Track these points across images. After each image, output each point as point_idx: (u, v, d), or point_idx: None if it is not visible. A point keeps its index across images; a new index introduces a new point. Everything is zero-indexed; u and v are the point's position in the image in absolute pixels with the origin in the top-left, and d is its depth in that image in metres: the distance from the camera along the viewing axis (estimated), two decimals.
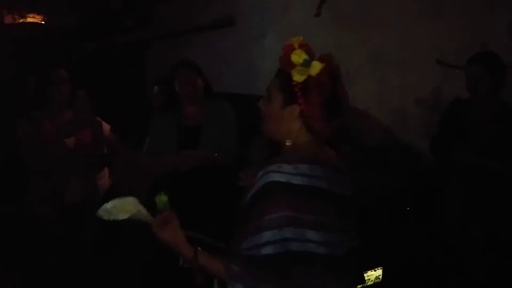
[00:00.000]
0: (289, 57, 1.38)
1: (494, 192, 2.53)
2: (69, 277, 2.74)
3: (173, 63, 2.83)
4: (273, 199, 1.28)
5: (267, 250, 1.26)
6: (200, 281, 1.59)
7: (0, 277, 2.96)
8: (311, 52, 1.41)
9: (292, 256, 1.27)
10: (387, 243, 2.86)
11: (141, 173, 3.09)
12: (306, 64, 1.36)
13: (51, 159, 2.76)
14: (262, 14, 4.31)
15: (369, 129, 3.69)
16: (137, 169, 3.09)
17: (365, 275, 2.78)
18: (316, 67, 1.36)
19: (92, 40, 5.15)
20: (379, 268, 2.81)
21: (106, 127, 3.10)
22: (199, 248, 1.36)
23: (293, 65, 1.37)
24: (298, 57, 1.37)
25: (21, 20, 4.87)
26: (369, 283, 2.79)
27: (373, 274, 2.80)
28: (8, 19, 4.79)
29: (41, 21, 5.00)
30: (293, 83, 1.36)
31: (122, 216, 1.43)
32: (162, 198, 1.46)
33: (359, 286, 2.74)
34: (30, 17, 4.92)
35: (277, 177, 1.30)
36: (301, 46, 1.40)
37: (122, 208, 1.45)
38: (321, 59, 1.39)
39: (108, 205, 1.46)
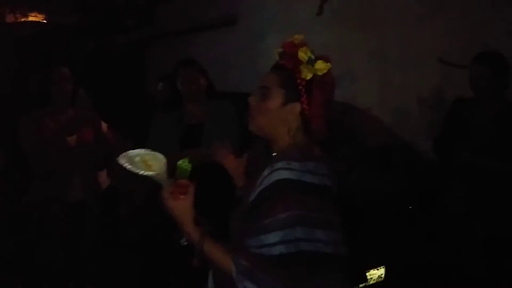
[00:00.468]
0: (295, 54, 1.36)
1: (496, 192, 2.52)
2: (72, 274, 2.74)
3: (175, 62, 2.84)
4: (285, 197, 1.25)
5: (280, 250, 1.23)
6: (198, 264, 1.49)
7: (2, 277, 2.96)
8: (311, 50, 1.40)
9: (303, 256, 1.25)
10: (389, 243, 2.86)
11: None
12: (311, 62, 1.35)
13: (53, 157, 2.76)
14: (264, 13, 4.31)
15: (371, 129, 3.68)
16: None
17: (367, 274, 2.78)
18: (323, 66, 1.34)
19: (94, 39, 5.15)
20: (381, 267, 2.82)
21: (103, 125, 3.10)
22: (207, 233, 1.31)
23: (299, 62, 1.35)
24: (304, 54, 1.36)
25: (23, 19, 4.88)
26: (371, 282, 2.79)
27: (375, 273, 2.80)
28: (10, 18, 4.79)
29: (43, 20, 5.01)
30: (298, 80, 1.34)
31: (145, 172, 1.32)
32: (184, 165, 1.36)
33: (361, 285, 2.74)
34: (32, 16, 4.93)
35: (287, 175, 1.27)
36: (301, 44, 1.39)
37: (148, 163, 1.34)
38: (325, 59, 1.37)
39: (135, 155, 1.35)
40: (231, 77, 4.50)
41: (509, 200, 2.50)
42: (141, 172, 1.30)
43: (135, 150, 1.36)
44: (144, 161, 1.34)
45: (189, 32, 4.89)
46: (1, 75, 4.12)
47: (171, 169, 1.36)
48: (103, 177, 3.12)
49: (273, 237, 1.24)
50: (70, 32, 4.92)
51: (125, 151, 1.37)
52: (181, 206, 1.32)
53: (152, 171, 1.32)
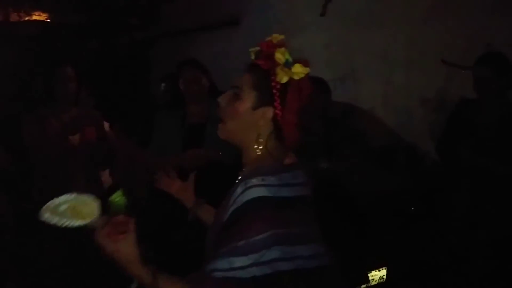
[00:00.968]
0: (272, 54, 1.25)
1: (499, 193, 2.52)
2: (74, 273, 2.75)
3: (178, 62, 2.84)
4: (261, 216, 1.13)
5: (252, 272, 1.11)
6: None
7: (4, 276, 2.97)
8: (290, 52, 1.28)
9: (280, 276, 1.13)
10: (391, 243, 2.86)
11: (144, 171, 3.09)
12: (288, 65, 1.24)
13: (56, 156, 2.77)
14: (267, 13, 4.31)
15: (374, 130, 3.68)
16: (141, 167, 3.09)
17: (369, 275, 2.78)
18: (300, 70, 1.24)
19: (97, 38, 5.16)
20: (383, 268, 2.81)
21: (105, 124, 3.10)
22: (158, 271, 1.15)
23: (275, 64, 1.24)
24: (282, 55, 1.24)
25: (26, 18, 4.89)
26: (373, 283, 2.79)
27: (377, 274, 2.80)
28: (13, 17, 4.80)
29: (46, 19, 5.01)
30: (273, 83, 1.23)
31: (73, 222, 1.13)
32: (118, 200, 1.23)
33: (363, 286, 2.74)
34: (35, 15, 4.93)
35: (262, 192, 1.15)
36: (280, 44, 1.27)
37: (77, 210, 1.17)
38: (304, 63, 1.26)
39: (61, 203, 1.17)
40: (233, 77, 4.50)
41: None
42: (68, 223, 1.13)
43: (61, 197, 1.18)
44: (73, 208, 1.17)
45: (192, 32, 4.90)
46: (4, 74, 4.13)
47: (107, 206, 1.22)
48: (106, 176, 3.13)
49: (245, 260, 1.11)
50: (73, 31, 4.92)
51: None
52: (124, 247, 1.14)
53: (83, 218, 1.15)
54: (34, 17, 4.95)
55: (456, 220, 2.71)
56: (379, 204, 3.07)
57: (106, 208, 1.20)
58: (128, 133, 3.33)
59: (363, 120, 3.69)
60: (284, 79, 1.22)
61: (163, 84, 3.65)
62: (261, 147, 1.26)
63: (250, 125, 1.26)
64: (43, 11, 4.96)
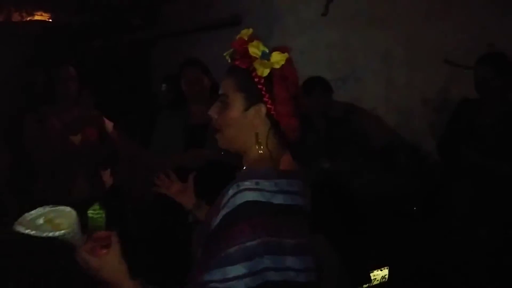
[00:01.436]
0: (245, 51, 1.20)
1: (501, 193, 2.52)
2: (75, 273, 2.75)
3: (180, 62, 2.84)
4: (253, 222, 1.07)
5: (247, 284, 1.05)
6: None
7: (5, 276, 2.97)
8: (264, 44, 1.24)
9: (270, 287, 1.07)
10: (393, 243, 2.86)
11: (146, 171, 3.09)
12: (266, 56, 1.19)
13: (58, 156, 2.77)
14: (268, 13, 4.30)
15: (376, 129, 3.68)
16: (142, 167, 3.10)
17: (371, 274, 2.78)
18: (279, 58, 1.18)
19: (99, 38, 5.16)
20: (385, 267, 2.81)
21: (109, 124, 3.11)
22: (148, 285, 1.12)
23: (252, 59, 1.19)
24: (256, 49, 1.19)
25: (28, 18, 4.89)
26: (375, 282, 2.79)
27: (379, 274, 2.80)
28: (16, 17, 4.81)
29: (48, 19, 5.02)
30: (256, 79, 1.18)
31: (51, 233, 1.09)
32: (96, 214, 1.16)
33: (365, 285, 2.74)
34: (37, 15, 4.94)
35: (256, 196, 1.09)
36: (251, 38, 1.23)
37: (54, 222, 1.13)
38: (281, 50, 1.21)
39: (37, 216, 1.13)
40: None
41: None
42: (46, 234, 1.09)
43: (37, 210, 1.15)
44: (50, 221, 1.13)
45: (194, 32, 4.90)
46: (6, 73, 4.14)
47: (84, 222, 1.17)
48: (107, 176, 3.14)
49: (239, 269, 1.04)
50: (75, 31, 4.93)
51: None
52: (108, 263, 1.10)
53: (60, 230, 1.11)
54: (36, 17, 4.95)
55: (457, 220, 2.71)
56: (381, 203, 3.07)
57: (84, 223, 1.17)
58: (129, 133, 3.33)
59: (365, 120, 3.69)
60: (265, 72, 1.17)
61: (164, 85, 3.65)
62: (262, 147, 1.20)
63: (246, 127, 1.21)
64: (45, 11, 4.96)
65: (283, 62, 1.18)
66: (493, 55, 2.64)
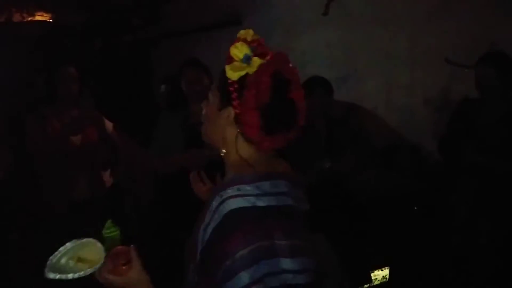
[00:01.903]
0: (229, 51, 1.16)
1: (503, 192, 2.51)
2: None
3: (180, 62, 2.84)
4: (241, 229, 1.04)
5: None
6: None
7: (7, 276, 2.98)
8: (263, 49, 1.17)
9: None
10: (394, 243, 2.85)
11: (147, 172, 3.09)
12: (247, 60, 1.13)
13: (59, 156, 2.77)
14: (269, 13, 4.30)
15: (377, 129, 3.67)
16: (143, 167, 3.09)
17: (372, 274, 2.78)
18: (254, 63, 1.12)
19: (100, 38, 5.17)
20: (386, 267, 2.81)
21: (108, 124, 3.11)
22: None
23: (231, 61, 1.15)
24: (238, 51, 1.14)
25: (29, 18, 4.90)
26: (376, 282, 2.78)
27: (380, 274, 2.80)
28: (16, 17, 4.81)
29: (49, 19, 5.02)
30: (229, 81, 1.14)
31: (80, 273, 1.07)
32: (112, 231, 1.15)
33: (366, 285, 2.74)
34: (38, 15, 4.94)
35: (240, 203, 1.06)
36: (252, 41, 1.17)
37: (81, 257, 1.11)
38: (263, 55, 1.15)
39: (61, 257, 1.10)
40: None
41: None
42: (73, 276, 1.07)
43: (60, 250, 1.13)
44: (80, 259, 1.11)
45: (194, 32, 4.90)
46: (7, 74, 4.14)
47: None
48: (107, 176, 3.14)
49: (241, 280, 1.01)
50: (76, 32, 4.93)
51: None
52: (133, 278, 1.10)
53: (89, 265, 1.09)
54: (37, 18, 4.96)
55: (458, 219, 2.71)
56: (382, 203, 3.07)
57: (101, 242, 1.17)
58: (129, 133, 3.33)
59: (366, 120, 3.69)
60: (234, 76, 1.12)
61: (163, 86, 3.65)
62: (224, 151, 1.19)
63: (217, 127, 1.19)
64: (46, 12, 4.96)
65: (255, 69, 1.11)
66: (494, 54, 2.64)
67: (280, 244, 1.06)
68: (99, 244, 1.14)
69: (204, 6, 4.85)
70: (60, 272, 1.07)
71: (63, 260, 1.12)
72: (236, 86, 1.12)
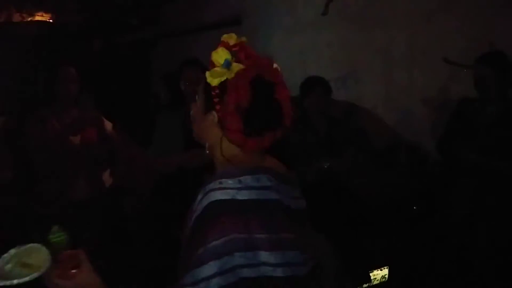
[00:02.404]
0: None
1: (501, 192, 2.52)
2: None
3: (179, 62, 2.85)
4: (218, 221, 1.07)
5: (218, 283, 1.03)
6: None
7: None
8: (246, 52, 1.20)
9: (245, 284, 1.05)
10: (393, 243, 2.86)
11: (146, 172, 3.09)
12: (227, 65, 1.17)
13: (58, 156, 2.78)
14: (268, 13, 4.31)
15: (376, 129, 3.68)
16: (142, 167, 3.10)
17: (371, 274, 2.78)
18: (234, 69, 1.16)
19: (99, 38, 5.17)
20: (385, 267, 2.81)
21: (108, 124, 3.12)
22: None
23: (213, 65, 1.19)
24: (219, 56, 1.18)
25: (29, 19, 4.90)
26: (375, 282, 2.79)
27: (379, 274, 2.80)
28: (16, 18, 4.82)
29: (49, 19, 5.03)
30: (211, 85, 1.17)
31: (30, 276, 1.06)
32: (57, 235, 1.15)
33: (365, 285, 2.75)
34: (38, 15, 4.95)
35: (219, 195, 1.09)
36: (234, 45, 1.20)
37: (27, 263, 1.09)
38: (243, 61, 1.18)
39: (5, 262, 1.09)
40: None
41: None
42: (18, 282, 1.05)
43: (3, 256, 1.11)
44: (24, 264, 1.09)
45: (194, 32, 4.90)
46: (6, 74, 4.15)
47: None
48: (106, 176, 3.14)
49: (208, 269, 1.04)
50: (75, 32, 4.94)
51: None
52: (82, 281, 1.10)
53: (34, 270, 1.08)
54: (37, 18, 4.96)
55: (457, 219, 2.71)
56: (381, 203, 3.07)
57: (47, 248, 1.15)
58: (129, 133, 3.33)
59: (365, 120, 3.70)
60: (214, 82, 1.16)
61: (163, 86, 3.65)
62: (208, 151, 1.24)
63: (203, 129, 1.25)
64: (46, 12, 4.97)
65: (233, 74, 1.15)
66: (492, 54, 2.65)
67: (259, 238, 1.08)
68: (44, 249, 1.13)
69: (203, 6, 4.86)
70: (6, 279, 1.06)
71: (8, 267, 1.10)
72: (217, 91, 1.17)
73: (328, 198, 2.77)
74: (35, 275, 1.07)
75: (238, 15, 4.52)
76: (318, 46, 3.96)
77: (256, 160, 1.22)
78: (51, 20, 5.03)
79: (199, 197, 1.13)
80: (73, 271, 1.10)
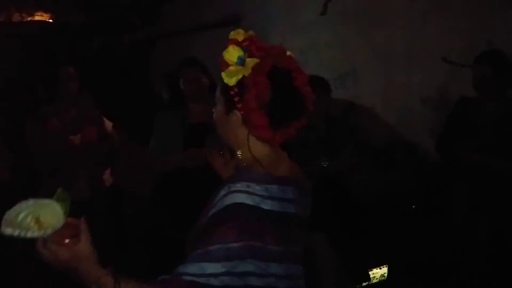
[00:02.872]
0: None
1: (500, 191, 2.52)
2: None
3: (179, 62, 2.85)
4: (238, 223, 1.06)
5: (223, 281, 1.03)
6: None
7: (9, 275, 2.98)
8: (257, 44, 1.17)
9: None
10: (392, 241, 2.87)
11: (146, 171, 3.10)
12: (241, 62, 1.14)
13: (58, 156, 2.78)
14: (267, 12, 4.31)
15: (375, 128, 3.68)
16: (142, 166, 3.10)
17: (370, 273, 2.79)
18: (249, 65, 1.12)
19: (99, 37, 5.18)
20: (384, 266, 2.82)
21: (108, 124, 3.12)
22: (118, 273, 1.07)
23: (226, 65, 1.15)
24: (230, 55, 1.15)
25: (29, 18, 4.90)
26: (374, 281, 2.80)
27: (378, 272, 2.81)
28: (16, 17, 4.82)
29: (49, 19, 5.03)
30: (229, 86, 1.15)
31: (45, 231, 1.00)
32: (62, 197, 1.07)
33: (364, 284, 2.75)
34: (38, 15, 4.95)
35: (244, 199, 1.08)
36: (244, 40, 1.17)
37: (42, 221, 1.02)
38: (259, 55, 1.15)
39: (25, 217, 1.01)
40: None
41: None
42: (32, 235, 0.99)
43: (20, 205, 1.04)
44: (37, 220, 1.02)
45: (193, 31, 4.91)
46: (6, 74, 4.15)
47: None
48: (107, 176, 3.15)
49: (218, 267, 1.03)
50: (75, 31, 4.94)
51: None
52: (79, 252, 1.04)
53: (42, 227, 1.01)
54: (36, 17, 4.97)
55: (456, 218, 2.72)
56: (380, 202, 3.08)
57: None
58: (129, 132, 3.34)
59: (364, 119, 3.70)
60: (231, 82, 1.13)
61: (165, 85, 3.66)
62: (240, 152, 1.21)
63: (230, 131, 1.21)
64: (45, 11, 4.97)
65: (250, 70, 1.12)
66: (491, 53, 2.65)
67: (272, 249, 1.08)
68: (59, 208, 1.06)
69: (203, 6, 4.86)
70: (16, 228, 0.99)
71: (21, 216, 1.02)
72: (236, 90, 1.14)
73: (327, 197, 2.78)
74: (48, 232, 1.01)
75: (238, 14, 4.52)
76: (317, 46, 3.97)
77: (281, 158, 1.22)
78: (51, 20, 5.04)
79: (222, 193, 1.11)
80: (67, 240, 1.05)
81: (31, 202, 1.05)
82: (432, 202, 2.99)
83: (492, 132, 2.57)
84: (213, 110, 1.27)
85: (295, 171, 1.26)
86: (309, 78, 1.22)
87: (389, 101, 3.66)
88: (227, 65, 1.15)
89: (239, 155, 1.22)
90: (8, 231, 0.99)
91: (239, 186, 1.10)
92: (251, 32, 1.20)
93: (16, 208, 1.04)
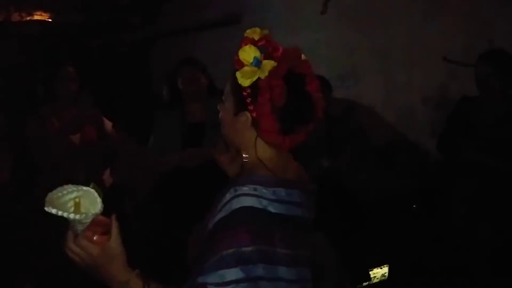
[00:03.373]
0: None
1: (501, 191, 2.52)
2: (78, 271, 2.75)
3: (177, 61, 2.85)
4: (248, 228, 1.04)
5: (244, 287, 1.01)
6: None
7: (11, 276, 2.98)
8: (272, 45, 1.15)
9: None
10: (393, 241, 2.86)
11: (145, 171, 3.09)
12: (257, 63, 1.10)
13: (57, 155, 2.78)
14: (268, 12, 4.30)
15: (376, 127, 3.68)
16: (142, 166, 3.10)
17: (371, 272, 2.78)
18: (266, 67, 1.09)
19: (98, 37, 5.17)
20: (385, 265, 2.82)
21: (108, 124, 3.12)
22: (146, 277, 1.06)
23: (241, 65, 1.12)
24: (247, 55, 1.11)
25: (28, 18, 4.89)
26: (375, 280, 2.79)
27: (379, 272, 2.81)
28: (15, 17, 4.81)
29: (48, 18, 5.02)
30: (243, 85, 1.11)
31: (86, 215, 1.02)
32: (98, 191, 1.07)
33: (365, 283, 2.75)
34: (37, 14, 4.94)
35: (252, 202, 1.06)
36: (260, 39, 1.14)
37: (80, 209, 1.04)
38: (276, 56, 1.12)
39: (67, 200, 1.04)
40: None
41: None
42: (74, 217, 1.00)
43: (62, 189, 1.05)
44: (77, 205, 1.05)
45: (193, 31, 4.90)
46: (6, 74, 4.14)
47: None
48: (107, 175, 3.14)
49: (237, 273, 1.01)
50: (75, 31, 4.93)
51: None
52: (109, 250, 1.04)
53: (92, 211, 1.03)
54: (36, 17, 4.96)
55: (457, 218, 2.71)
56: (381, 201, 3.07)
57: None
58: (129, 132, 3.33)
59: (364, 119, 3.70)
60: (246, 82, 1.10)
61: (165, 85, 3.65)
62: (246, 155, 1.18)
63: (237, 132, 1.17)
64: (45, 11, 4.96)
65: (267, 73, 1.08)
66: (494, 52, 2.64)
67: (280, 253, 1.07)
68: (99, 200, 1.06)
69: (203, 6, 4.86)
70: (59, 209, 1.00)
71: (65, 199, 1.05)
72: (249, 91, 1.11)
73: (328, 197, 2.78)
74: (90, 215, 1.02)
75: (238, 14, 4.52)
76: (317, 45, 3.96)
77: (287, 162, 1.21)
78: (50, 19, 5.03)
79: (228, 196, 1.09)
80: (95, 237, 1.04)
81: (72, 187, 1.06)
82: (432, 202, 2.98)
83: (494, 131, 2.57)
84: (218, 108, 1.24)
85: (301, 174, 1.25)
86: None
87: (389, 100, 3.66)
88: (242, 64, 1.12)
89: (244, 157, 1.19)
90: (52, 210, 0.99)
91: (246, 189, 1.08)
92: (266, 31, 1.17)
93: (59, 189, 1.05)
